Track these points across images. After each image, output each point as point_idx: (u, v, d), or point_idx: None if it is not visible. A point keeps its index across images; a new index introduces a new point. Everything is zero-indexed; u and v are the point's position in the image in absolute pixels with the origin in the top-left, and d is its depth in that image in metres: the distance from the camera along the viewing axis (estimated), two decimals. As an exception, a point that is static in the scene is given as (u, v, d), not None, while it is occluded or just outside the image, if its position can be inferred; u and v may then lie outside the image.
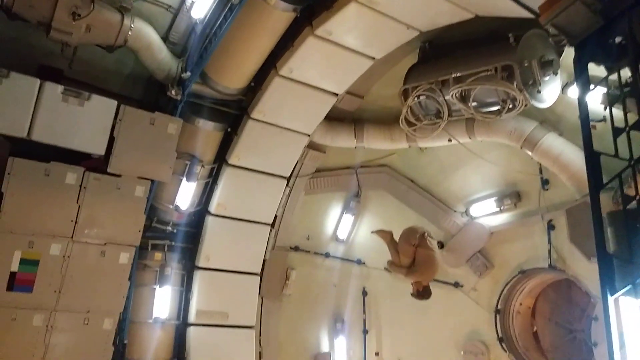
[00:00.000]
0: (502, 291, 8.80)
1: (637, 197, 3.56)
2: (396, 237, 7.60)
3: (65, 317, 6.78)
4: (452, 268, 9.15)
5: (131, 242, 7.34)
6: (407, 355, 9.59)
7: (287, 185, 9.03)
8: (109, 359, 7.15)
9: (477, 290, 9.07)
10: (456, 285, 9.24)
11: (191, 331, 8.23)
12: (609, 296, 3.29)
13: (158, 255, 8.24)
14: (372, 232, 8.21)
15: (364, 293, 10.16)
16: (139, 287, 7.93)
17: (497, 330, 8.77)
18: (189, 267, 8.52)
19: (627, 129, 3.89)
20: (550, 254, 8.07)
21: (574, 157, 7.05)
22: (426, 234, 7.45)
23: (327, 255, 10.18)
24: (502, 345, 8.68)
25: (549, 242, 8.07)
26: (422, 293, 7.42)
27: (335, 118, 8.86)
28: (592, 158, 3.93)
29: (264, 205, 8.88)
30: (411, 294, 7.48)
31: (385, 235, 7.64)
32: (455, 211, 9.18)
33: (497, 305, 8.84)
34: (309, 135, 8.58)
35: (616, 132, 3.89)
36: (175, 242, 8.40)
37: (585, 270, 7.52)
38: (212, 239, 8.47)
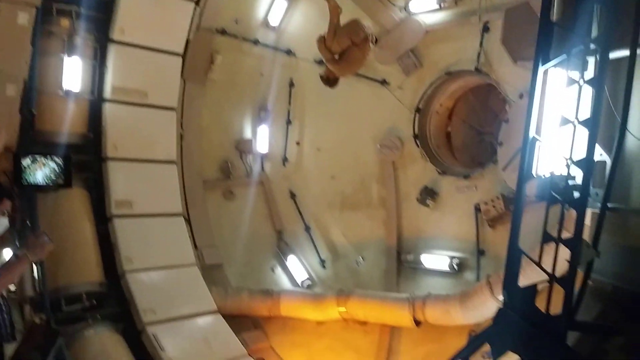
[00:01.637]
0: (426, 91, 8.99)
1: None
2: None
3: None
4: (382, 65, 9.09)
5: (29, 1, 6.40)
6: (327, 146, 9.96)
7: (214, -44, 8.01)
8: (16, 127, 6.77)
9: (403, 88, 9.19)
10: (383, 82, 9.28)
11: (107, 107, 7.86)
12: (540, 66, 3.23)
13: (65, 22, 7.35)
14: None
15: (291, 84, 10.00)
16: (45, 56, 7.17)
17: (414, 128, 9.18)
18: (102, 39, 7.76)
19: None
20: (479, 56, 8.12)
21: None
22: (371, 37, 7.06)
23: (256, 42, 9.65)
24: (416, 142, 9.19)
25: (481, 44, 8.06)
26: (331, 81, 7.38)
27: None
28: None
29: (187, -23, 7.93)
30: (320, 75, 7.41)
31: (334, 10, 6.93)
32: (394, 5, 8.74)
33: (418, 104, 9.10)
34: None
35: None
36: (83, 8, 7.47)
37: (509, 75, 7.73)
38: (127, 9, 7.61)
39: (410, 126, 9.20)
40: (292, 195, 10.14)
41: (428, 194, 9.01)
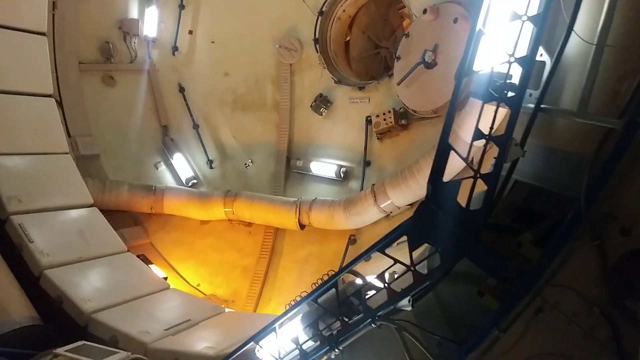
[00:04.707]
0: (330, -8, 8.69)
1: None
2: None
3: None
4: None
5: None
6: (222, 39, 9.30)
7: None
8: None
9: (308, -13, 8.78)
10: (289, -23, 8.77)
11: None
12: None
13: None
14: None
15: (186, -39, 9.01)
16: None
17: (315, 32, 8.92)
18: None
19: None
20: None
21: None
22: None
23: None
24: (315, 46, 8.97)
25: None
26: None
27: None
28: None
29: None
30: None
31: None
32: None
33: (322, 7, 8.80)
34: None
35: None
36: None
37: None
38: None
39: (312, 29, 8.91)
40: (181, 89, 9.44)
41: (322, 102, 8.99)
